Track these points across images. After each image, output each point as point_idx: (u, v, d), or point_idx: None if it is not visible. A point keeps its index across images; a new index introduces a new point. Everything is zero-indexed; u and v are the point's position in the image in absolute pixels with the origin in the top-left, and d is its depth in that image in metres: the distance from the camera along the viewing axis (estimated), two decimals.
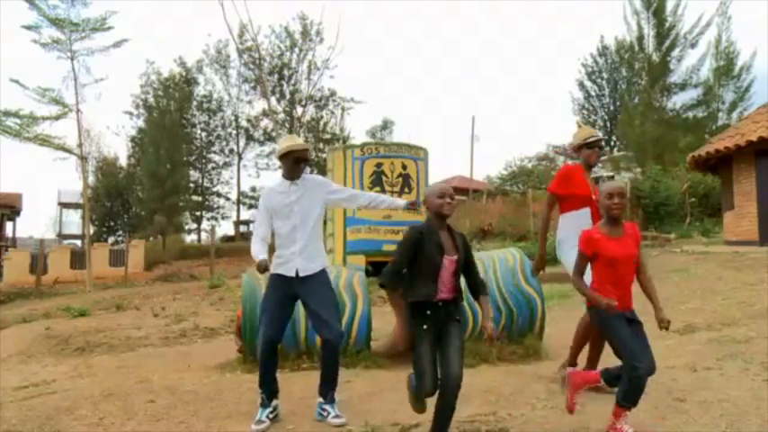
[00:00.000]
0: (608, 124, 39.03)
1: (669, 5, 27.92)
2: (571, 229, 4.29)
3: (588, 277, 3.63)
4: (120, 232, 38.58)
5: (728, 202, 13.84)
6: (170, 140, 34.24)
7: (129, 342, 8.04)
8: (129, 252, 24.51)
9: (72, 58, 20.90)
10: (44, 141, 20.24)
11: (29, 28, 20.77)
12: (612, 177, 24.62)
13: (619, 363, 3.24)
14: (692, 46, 28.15)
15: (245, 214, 40.97)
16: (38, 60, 64.48)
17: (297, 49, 34.77)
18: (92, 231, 28.24)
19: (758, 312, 6.42)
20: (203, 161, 39.79)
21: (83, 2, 21.42)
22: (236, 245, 32.35)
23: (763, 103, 14.65)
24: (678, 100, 29.06)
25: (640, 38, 28.72)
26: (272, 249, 3.96)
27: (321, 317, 3.75)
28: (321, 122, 36.37)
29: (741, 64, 28.87)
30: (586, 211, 4.25)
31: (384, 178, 5.84)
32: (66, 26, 20.68)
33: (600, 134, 4.48)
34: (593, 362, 4.28)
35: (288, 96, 35.39)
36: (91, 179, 34.98)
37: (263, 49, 33.14)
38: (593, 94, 39.95)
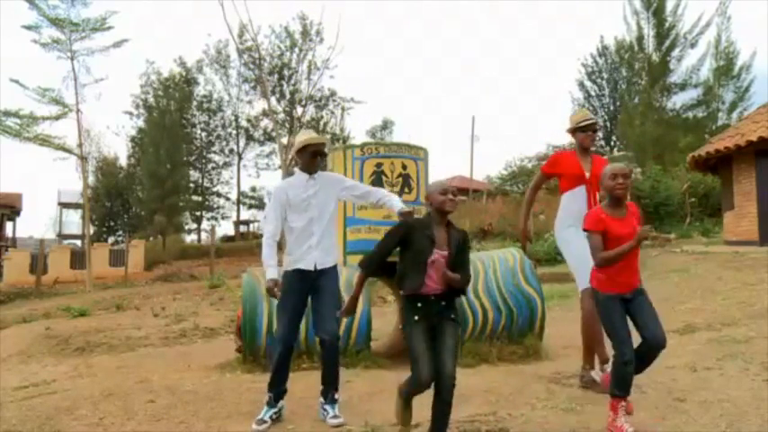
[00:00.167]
0: (608, 124, 39.00)
1: (669, 5, 27.95)
2: (566, 209, 4.34)
3: (588, 264, 3.63)
4: (120, 232, 38.59)
5: (728, 202, 13.84)
6: (170, 140, 34.25)
7: (129, 342, 8.04)
8: (129, 252, 24.51)
9: (72, 58, 20.91)
10: (44, 141, 20.24)
11: (29, 28, 20.79)
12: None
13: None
14: (692, 46, 28.20)
15: (245, 214, 40.99)
16: (38, 60, 64.51)
17: (297, 49, 34.78)
18: (92, 231, 28.24)
19: (758, 312, 6.42)
20: (203, 161, 39.80)
21: (83, 2, 21.46)
22: (236, 245, 32.39)
23: (763, 103, 14.65)
24: (678, 100, 29.12)
25: (640, 38, 28.75)
26: (279, 247, 3.97)
27: (322, 315, 3.77)
28: (321, 122, 36.36)
29: (741, 64, 28.93)
30: (581, 190, 4.27)
31: (384, 178, 5.82)
32: (66, 26, 20.68)
33: (593, 117, 4.45)
34: (589, 361, 4.28)
35: (288, 96, 35.40)
36: (91, 179, 35.00)
37: (263, 49, 33.12)
38: (593, 94, 39.91)
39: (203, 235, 39.87)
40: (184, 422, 3.80)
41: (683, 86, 28.62)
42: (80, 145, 21.70)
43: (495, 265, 5.73)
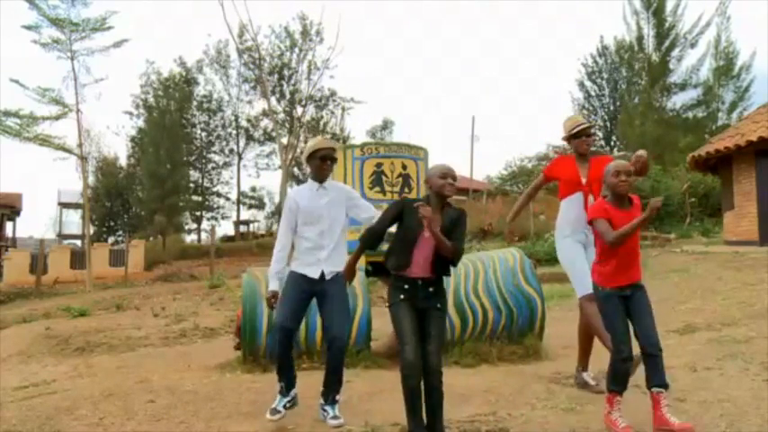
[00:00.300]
0: (608, 124, 38.99)
1: (669, 5, 27.96)
2: (564, 216, 4.36)
3: (585, 272, 3.63)
4: (120, 232, 38.59)
5: (728, 202, 13.84)
6: (170, 140, 34.24)
7: (129, 342, 8.04)
8: (129, 252, 24.51)
9: (72, 58, 20.92)
10: (44, 141, 20.24)
11: (29, 28, 20.80)
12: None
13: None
14: (692, 46, 28.21)
15: (245, 214, 41.00)
16: (38, 60, 64.54)
17: (297, 49, 34.75)
18: (92, 231, 28.23)
19: (758, 312, 6.42)
20: (203, 161, 39.79)
21: (83, 2, 21.46)
22: (236, 245, 32.38)
23: (763, 103, 14.66)
24: (678, 100, 29.12)
25: (640, 38, 28.75)
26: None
27: (332, 320, 3.75)
28: (321, 122, 36.36)
29: (741, 64, 28.96)
30: (578, 196, 4.27)
31: (384, 178, 5.82)
32: (66, 26, 20.68)
33: (585, 122, 4.41)
34: (584, 360, 4.28)
35: (288, 96, 35.37)
36: (91, 179, 35.01)
37: (263, 49, 33.13)
38: (593, 94, 39.90)
39: (203, 235, 39.88)
40: (184, 422, 3.80)
41: (682, 86, 28.62)
42: (80, 145, 21.70)
43: (495, 265, 5.73)
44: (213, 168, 40.25)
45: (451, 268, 3.25)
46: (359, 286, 5.49)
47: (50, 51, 21.10)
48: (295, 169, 35.89)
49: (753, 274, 8.80)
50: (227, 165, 40.07)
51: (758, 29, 47.38)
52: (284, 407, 3.72)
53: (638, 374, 3.48)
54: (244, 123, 39.11)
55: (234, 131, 39.48)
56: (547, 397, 4.03)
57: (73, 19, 20.92)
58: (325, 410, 3.74)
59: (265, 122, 37.65)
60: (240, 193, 40.01)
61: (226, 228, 43.05)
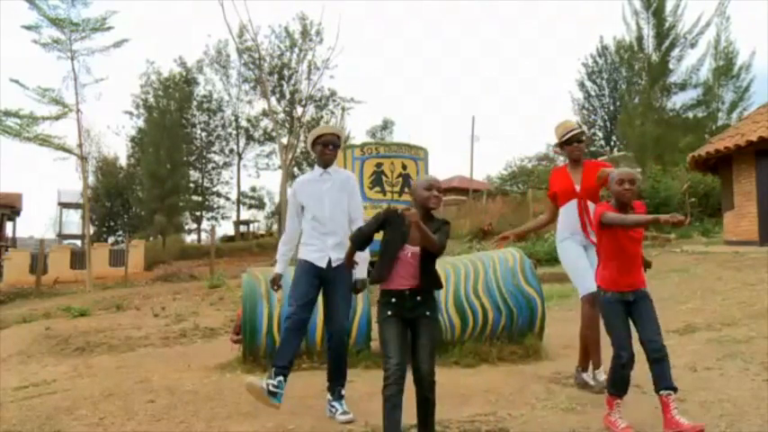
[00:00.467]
0: (608, 124, 39.03)
1: (669, 5, 27.88)
2: (562, 222, 4.36)
3: (585, 272, 3.63)
4: (120, 232, 38.61)
5: (728, 202, 13.84)
6: (170, 140, 34.28)
7: (129, 342, 8.04)
8: (129, 252, 24.53)
9: (72, 58, 20.92)
10: (44, 141, 20.24)
11: (29, 28, 20.79)
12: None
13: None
14: (692, 46, 28.11)
15: (245, 214, 41.01)
16: (38, 60, 64.54)
17: (297, 49, 34.77)
18: (92, 231, 28.25)
19: (758, 312, 6.42)
20: (203, 161, 39.82)
21: (83, 2, 21.46)
22: (236, 245, 32.39)
23: (763, 103, 14.65)
24: (678, 100, 29.01)
25: (640, 38, 28.68)
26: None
27: (333, 310, 3.81)
28: (321, 122, 36.37)
29: (740, 64, 28.91)
30: (573, 204, 4.27)
31: (384, 178, 5.84)
32: (67, 26, 20.68)
33: (576, 127, 4.38)
34: (584, 362, 4.28)
35: (288, 96, 35.39)
36: (91, 179, 35.03)
37: (262, 49, 33.12)
38: (593, 94, 39.97)
39: (203, 235, 39.93)
40: (184, 422, 3.80)
41: (682, 86, 28.55)
42: (80, 145, 21.70)
43: (495, 265, 5.73)
44: (213, 168, 40.30)
45: (443, 280, 3.25)
46: None
47: (50, 51, 21.15)
48: (295, 169, 35.90)
49: (753, 274, 8.80)
50: (227, 165, 40.15)
51: (758, 29, 47.44)
52: (267, 385, 3.56)
53: (638, 374, 3.47)
54: (244, 123, 39.18)
55: (234, 131, 39.53)
56: (547, 397, 4.03)
57: (73, 19, 20.95)
58: (333, 406, 3.78)
59: (265, 122, 37.70)
60: (240, 193, 40.07)
61: (226, 228, 43.12)
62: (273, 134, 34.96)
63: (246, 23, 38.29)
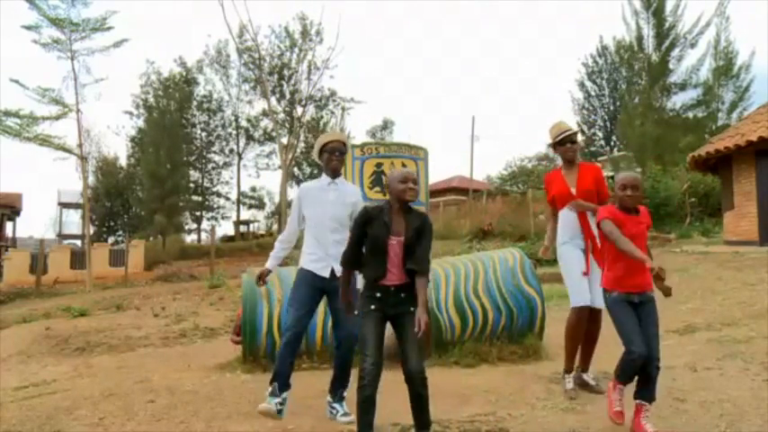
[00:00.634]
0: (608, 124, 39.02)
1: (669, 5, 27.90)
2: (562, 224, 4.35)
3: (579, 281, 3.64)
4: (120, 232, 38.61)
5: (728, 202, 13.84)
6: (170, 140, 34.27)
7: (129, 342, 8.04)
8: (129, 252, 24.51)
9: (72, 58, 20.91)
10: (44, 141, 20.23)
11: (29, 28, 20.78)
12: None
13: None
14: (692, 46, 28.14)
15: (245, 214, 40.97)
16: (38, 60, 64.49)
17: (297, 49, 34.74)
18: (92, 231, 28.25)
19: (758, 312, 6.42)
20: (203, 161, 39.81)
21: (83, 2, 21.45)
22: (236, 245, 32.36)
23: (763, 103, 14.65)
24: (678, 100, 29.04)
25: (640, 38, 28.70)
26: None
27: (341, 316, 3.76)
28: (321, 122, 36.36)
29: (740, 64, 28.93)
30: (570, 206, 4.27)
31: (384, 178, 5.82)
32: (67, 26, 20.68)
33: (570, 128, 4.37)
34: (585, 362, 4.28)
35: (288, 96, 35.36)
36: (91, 179, 35.03)
37: (262, 49, 33.11)
38: (593, 94, 39.96)
39: (203, 235, 39.91)
40: (184, 422, 3.80)
41: (682, 86, 28.57)
42: (80, 145, 21.70)
43: (495, 265, 5.73)
44: (213, 168, 40.28)
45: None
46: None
47: (50, 51, 21.13)
48: (295, 169, 35.91)
49: (753, 274, 8.80)
50: (227, 165, 40.13)
51: (758, 29, 47.42)
52: (276, 405, 3.62)
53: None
54: (244, 123, 39.16)
55: (234, 131, 39.51)
56: (547, 397, 4.03)
57: (73, 19, 20.94)
58: (333, 408, 3.79)
59: (265, 122, 37.68)
60: (240, 193, 40.05)
61: (226, 228, 43.15)
62: (273, 134, 34.96)
63: (246, 23, 38.38)
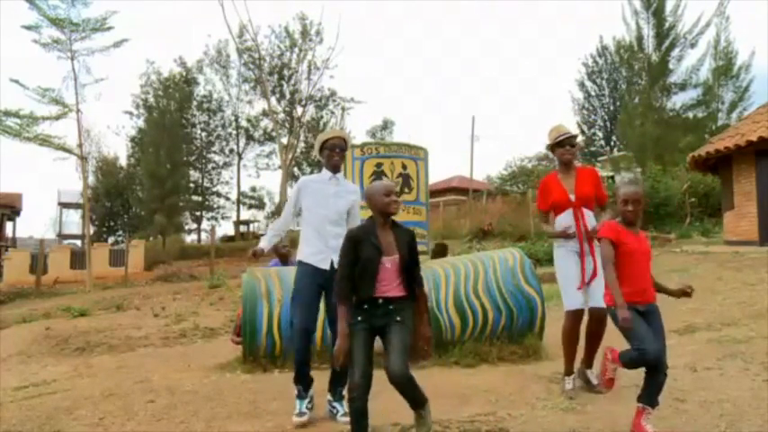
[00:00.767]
0: (608, 124, 39.05)
1: (669, 5, 27.91)
2: (559, 227, 4.31)
3: (573, 286, 3.65)
4: (120, 232, 38.61)
5: (728, 202, 13.84)
6: (170, 140, 34.29)
7: (129, 342, 8.04)
8: (129, 252, 24.51)
9: (72, 58, 20.92)
10: (44, 141, 20.24)
11: (29, 28, 20.79)
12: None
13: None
14: (692, 46, 28.15)
15: (245, 214, 40.93)
16: (38, 60, 64.45)
17: (297, 49, 34.76)
18: (92, 231, 28.24)
19: (758, 312, 6.43)
20: (203, 161, 39.82)
21: (83, 2, 21.45)
22: (236, 245, 32.35)
23: (763, 103, 14.65)
24: (678, 100, 29.05)
25: (640, 38, 28.71)
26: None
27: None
28: (321, 122, 36.37)
29: (740, 64, 28.95)
30: (568, 213, 4.25)
31: (384, 178, 5.82)
32: (67, 26, 20.69)
33: (569, 131, 4.37)
34: (589, 358, 4.28)
35: (288, 96, 35.39)
36: (91, 179, 35.04)
37: (262, 49, 33.14)
38: (593, 94, 40.00)
39: (203, 235, 39.93)
40: (184, 422, 3.80)
41: (682, 86, 28.57)
42: (80, 145, 21.70)
43: (495, 265, 5.73)
44: (213, 168, 40.30)
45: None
46: None
47: (50, 51, 21.15)
48: (295, 169, 35.90)
49: (753, 274, 8.80)
50: (227, 165, 40.15)
51: (757, 29, 47.42)
52: (307, 408, 3.77)
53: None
54: (244, 123, 39.17)
55: (234, 131, 39.53)
56: (547, 397, 4.03)
57: (73, 19, 20.95)
58: (334, 407, 3.81)
59: (265, 122, 37.70)
60: (240, 193, 40.05)
61: (226, 228, 43.16)
62: (273, 134, 34.97)
63: (246, 23, 38.46)
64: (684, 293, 3.32)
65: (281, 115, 35.23)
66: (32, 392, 4.93)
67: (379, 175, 5.85)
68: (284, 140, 32.62)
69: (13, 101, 46.60)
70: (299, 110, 35.05)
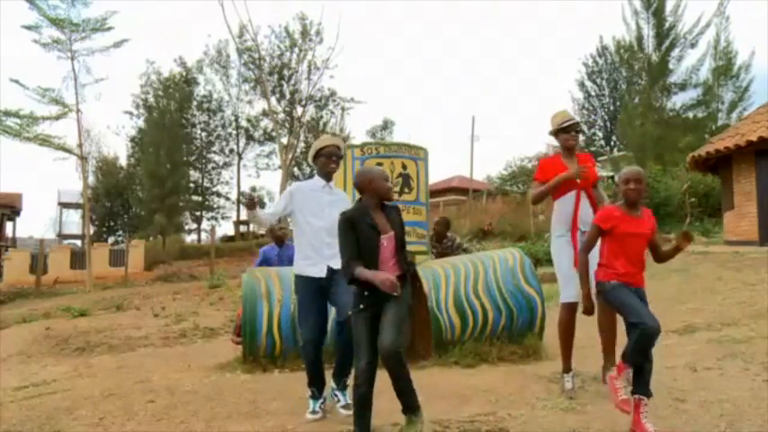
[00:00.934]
0: (608, 124, 39.03)
1: (669, 5, 27.88)
2: (557, 213, 4.34)
3: (572, 279, 3.66)
4: (120, 232, 38.61)
5: (728, 202, 13.84)
6: (170, 140, 34.28)
7: (129, 342, 8.04)
8: (129, 252, 24.51)
9: (72, 58, 20.95)
10: (44, 141, 20.25)
11: (29, 28, 20.81)
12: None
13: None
14: (692, 46, 28.11)
15: (245, 214, 40.92)
16: (38, 60, 64.44)
17: (297, 49, 34.75)
18: (92, 231, 28.24)
19: (758, 312, 6.42)
20: (203, 161, 39.81)
21: (83, 2, 21.47)
22: (236, 245, 32.36)
23: (763, 103, 14.65)
24: (678, 100, 29.01)
25: (640, 38, 28.68)
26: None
27: (341, 303, 3.78)
28: (321, 122, 36.36)
29: (740, 64, 28.91)
30: (571, 195, 4.24)
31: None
32: (67, 26, 20.70)
33: (575, 117, 4.39)
34: (607, 351, 4.25)
35: (288, 96, 35.37)
36: (91, 179, 35.04)
37: (262, 49, 33.13)
38: (593, 94, 39.97)
39: (203, 235, 39.92)
40: (184, 422, 3.80)
41: (682, 86, 28.54)
42: (80, 145, 21.72)
43: (495, 265, 5.73)
44: (213, 168, 40.28)
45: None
46: None
47: (50, 51, 21.19)
48: (295, 169, 35.89)
49: (753, 274, 8.80)
50: (227, 165, 40.13)
51: (757, 29, 47.35)
52: (320, 407, 3.81)
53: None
54: (244, 123, 39.15)
55: (234, 131, 39.50)
56: (547, 397, 4.03)
57: (73, 19, 20.98)
58: (336, 396, 3.87)
59: (265, 122, 37.68)
60: (240, 194, 40.01)
61: (226, 228, 43.15)
62: (273, 134, 34.96)
63: (246, 23, 38.44)
64: (684, 239, 3.30)
65: (281, 115, 35.21)
66: (32, 392, 4.93)
67: None
68: (284, 140, 32.60)
69: (13, 101, 46.65)
70: (299, 110, 35.05)
